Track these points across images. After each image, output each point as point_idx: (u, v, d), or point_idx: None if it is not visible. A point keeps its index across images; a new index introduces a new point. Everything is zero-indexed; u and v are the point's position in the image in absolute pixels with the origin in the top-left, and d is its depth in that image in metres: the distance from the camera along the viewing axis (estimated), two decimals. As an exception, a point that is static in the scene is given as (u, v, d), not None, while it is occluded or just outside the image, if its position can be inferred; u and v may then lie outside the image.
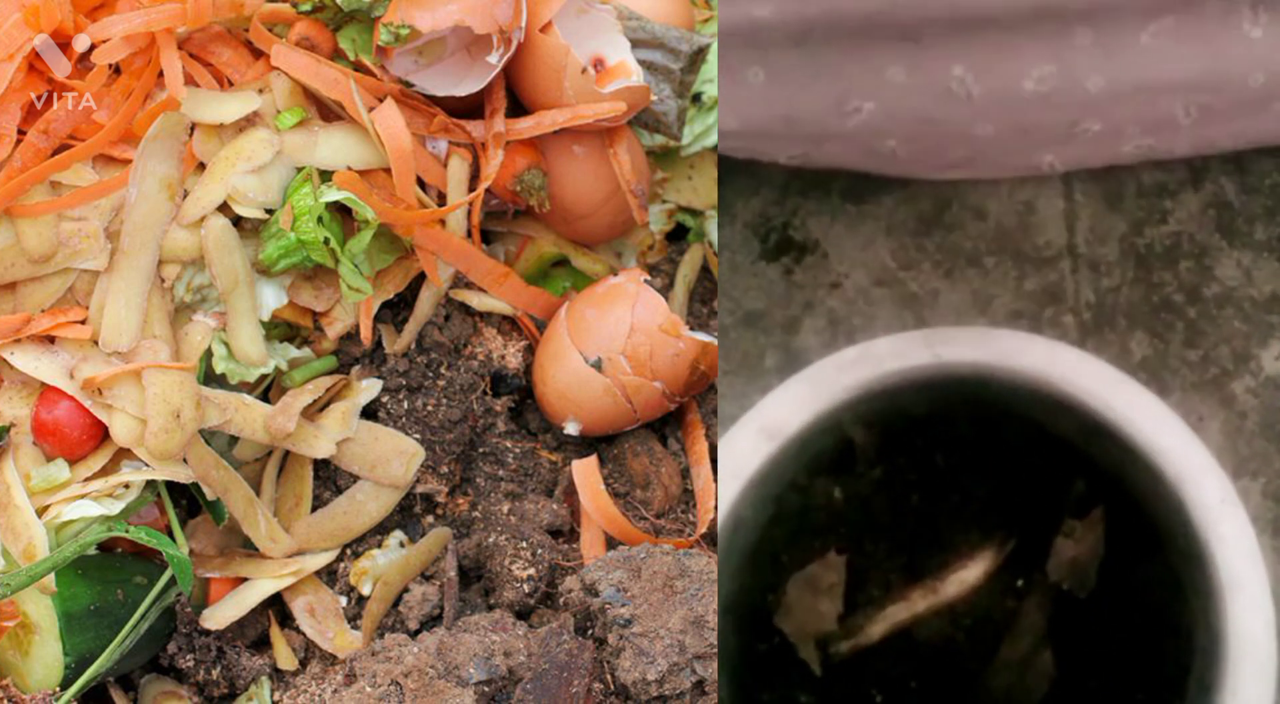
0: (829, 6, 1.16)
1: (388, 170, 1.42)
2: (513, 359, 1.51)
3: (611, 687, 1.32)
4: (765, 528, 1.25)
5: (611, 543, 1.46)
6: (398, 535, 1.48)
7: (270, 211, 1.40)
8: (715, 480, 1.48)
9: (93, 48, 1.37)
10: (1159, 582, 1.25)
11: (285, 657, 1.44)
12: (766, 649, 1.29)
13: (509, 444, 1.52)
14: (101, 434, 1.37)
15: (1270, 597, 1.16)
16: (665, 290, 1.56)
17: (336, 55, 1.44)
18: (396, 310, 1.51)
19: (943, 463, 1.26)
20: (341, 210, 1.41)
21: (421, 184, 1.45)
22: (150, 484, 1.39)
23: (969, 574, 1.27)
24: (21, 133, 1.37)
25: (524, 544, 1.45)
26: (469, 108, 1.46)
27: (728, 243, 1.37)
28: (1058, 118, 1.23)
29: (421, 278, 1.48)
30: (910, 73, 1.20)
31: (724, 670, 1.28)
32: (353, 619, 1.45)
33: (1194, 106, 1.23)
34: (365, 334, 1.45)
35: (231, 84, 1.42)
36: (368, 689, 1.31)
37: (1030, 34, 1.19)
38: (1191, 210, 1.34)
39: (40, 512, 1.35)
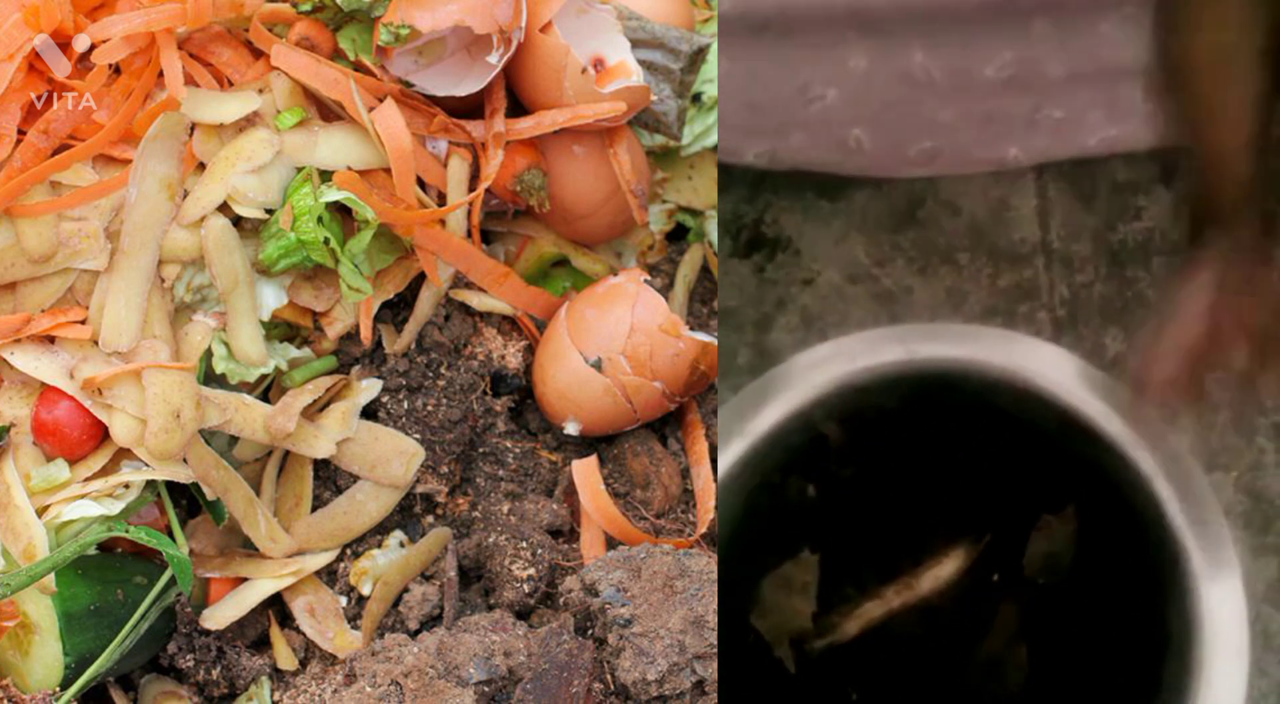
0: (786, 1, 1.18)
1: (388, 170, 1.42)
2: (513, 359, 1.51)
3: (611, 687, 1.32)
4: (739, 527, 1.25)
5: (611, 543, 1.46)
6: (398, 535, 1.48)
7: (270, 211, 1.40)
8: (715, 480, 1.48)
9: (93, 48, 1.37)
10: (1132, 575, 1.26)
11: (285, 657, 1.44)
12: (742, 648, 1.28)
13: (509, 444, 1.52)
14: (101, 434, 1.37)
15: (1243, 588, 1.16)
16: (665, 290, 1.56)
17: (336, 55, 1.44)
18: (396, 310, 1.51)
19: (917, 459, 1.26)
20: (341, 210, 1.41)
21: (421, 184, 1.45)
22: (150, 484, 1.39)
23: (943, 570, 1.27)
24: (21, 133, 1.37)
25: (524, 544, 1.45)
26: (469, 108, 1.46)
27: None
28: (1020, 103, 1.24)
29: (421, 278, 1.48)
30: (871, 60, 1.21)
31: None
32: (353, 619, 1.45)
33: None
34: (365, 334, 1.45)
35: (231, 84, 1.42)
36: (368, 689, 1.31)
37: (989, 25, 1.20)
38: (1164, 207, 1.34)
39: (40, 512, 1.35)
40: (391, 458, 1.45)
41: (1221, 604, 1.16)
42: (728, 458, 1.17)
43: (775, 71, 1.21)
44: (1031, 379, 1.18)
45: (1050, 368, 1.17)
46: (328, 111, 1.43)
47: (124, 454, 1.38)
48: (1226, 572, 1.17)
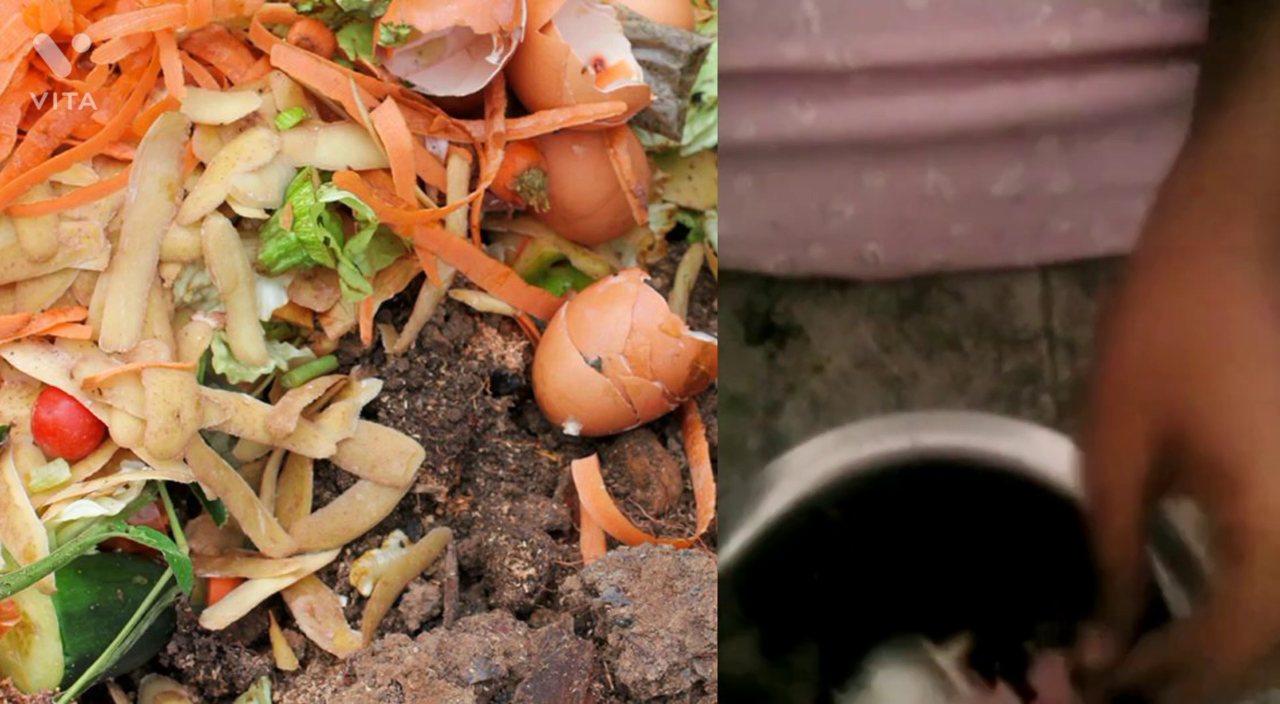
0: (808, 128, 1.23)
1: (388, 170, 1.42)
2: (513, 359, 1.51)
3: (611, 687, 1.32)
4: (742, 612, 1.26)
5: (611, 543, 1.46)
6: (398, 535, 1.48)
7: (270, 211, 1.40)
8: (715, 480, 1.48)
9: (93, 48, 1.37)
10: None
11: (285, 657, 1.44)
12: None
13: (509, 444, 1.52)
14: (101, 434, 1.37)
15: None
16: (665, 290, 1.56)
17: (336, 55, 1.44)
18: (396, 310, 1.51)
19: (922, 548, 1.27)
20: (341, 210, 1.41)
21: (421, 184, 1.45)
22: (150, 484, 1.39)
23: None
24: (21, 133, 1.37)
25: (524, 544, 1.45)
26: (469, 108, 1.46)
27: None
28: (1027, 217, 1.29)
29: (421, 278, 1.48)
30: (888, 180, 1.26)
31: None
32: (353, 619, 1.45)
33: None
34: (365, 334, 1.45)
35: (231, 84, 1.42)
36: (368, 689, 1.31)
37: (997, 146, 1.26)
38: None
39: (40, 512, 1.35)
40: (391, 458, 1.45)
41: None
42: (731, 548, 1.18)
43: (798, 190, 1.26)
44: (1034, 468, 1.19)
45: (1051, 457, 1.19)
46: (328, 111, 1.43)
47: (124, 454, 1.38)
48: None
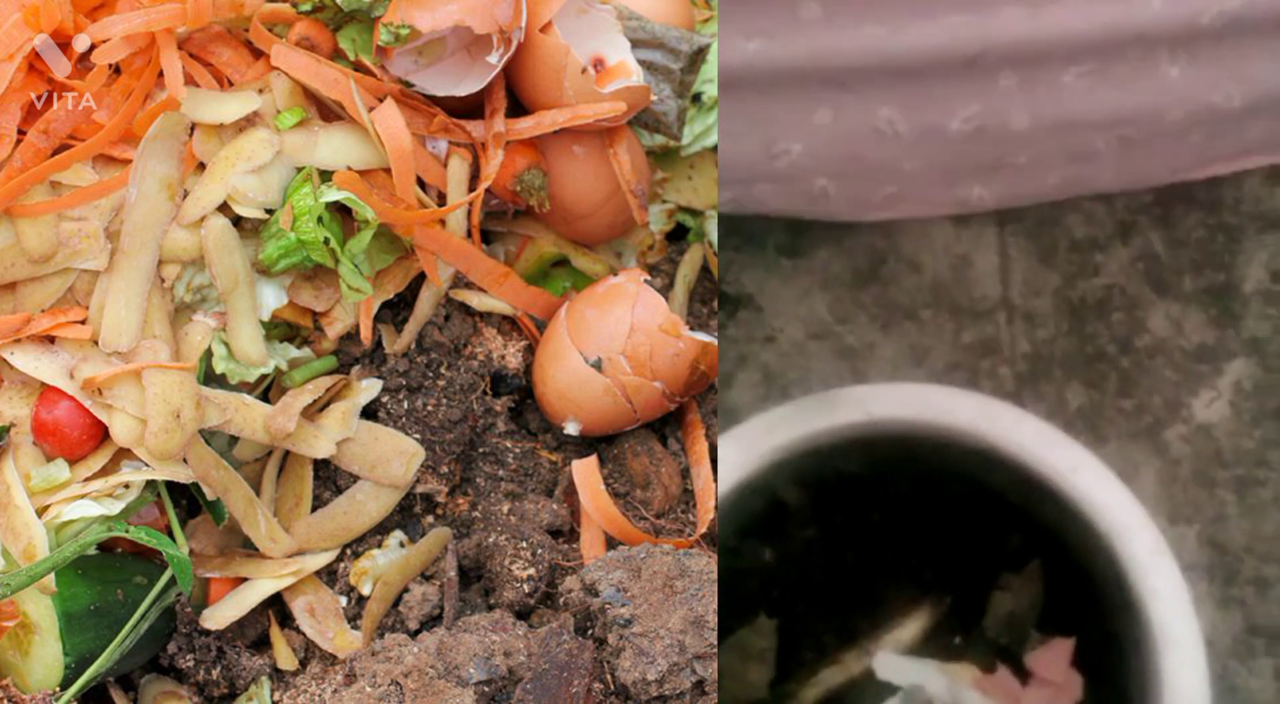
0: (751, 59, 1.19)
1: (388, 170, 1.42)
2: (513, 359, 1.51)
3: (611, 687, 1.32)
4: None
5: (611, 543, 1.46)
6: (398, 535, 1.48)
7: (270, 211, 1.40)
8: (715, 480, 1.48)
9: (93, 48, 1.37)
10: (1095, 636, 1.25)
11: (285, 657, 1.44)
12: None
13: (509, 444, 1.52)
14: (101, 434, 1.37)
15: (1204, 651, 1.17)
16: (665, 290, 1.56)
17: (336, 55, 1.44)
18: (396, 310, 1.51)
19: (878, 521, 1.27)
20: (341, 210, 1.41)
21: (421, 184, 1.45)
22: (150, 484, 1.39)
23: (904, 634, 1.27)
24: (21, 133, 1.37)
25: (524, 544, 1.45)
26: (469, 108, 1.46)
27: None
28: (984, 152, 1.27)
29: (421, 278, 1.48)
30: (837, 116, 1.23)
31: None
32: (353, 619, 1.45)
33: (1114, 139, 1.27)
34: (365, 334, 1.45)
35: (231, 84, 1.42)
36: (368, 689, 1.31)
37: (955, 79, 1.22)
38: (1122, 263, 1.37)
39: (40, 512, 1.35)
40: (391, 458, 1.45)
41: (1183, 666, 1.16)
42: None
43: (741, 128, 1.22)
44: (991, 439, 1.18)
45: (1009, 427, 1.18)
46: (328, 111, 1.43)
47: (124, 454, 1.38)
48: (1187, 633, 1.17)
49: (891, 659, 1.22)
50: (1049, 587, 1.26)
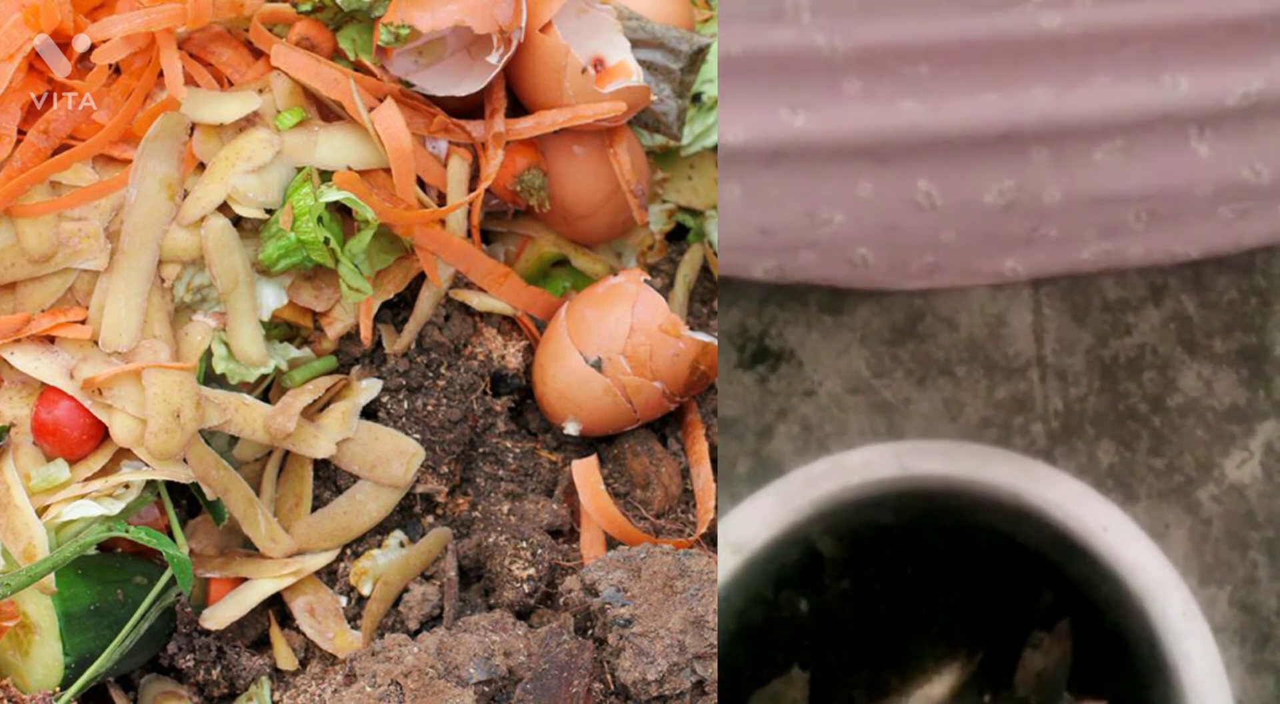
0: (798, 133, 1.24)
1: (388, 170, 1.42)
2: (513, 359, 1.51)
3: (611, 687, 1.32)
4: (729, 643, 1.26)
5: (611, 543, 1.46)
6: (398, 535, 1.48)
7: (270, 211, 1.40)
8: (715, 480, 1.48)
9: (93, 48, 1.37)
10: (1126, 698, 1.25)
11: (285, 657, 1.44)
12: None
13: (509, 444, 1.52)
14: (101, 434, 1.37)
15: None
16: (665, 290, 1.56)
17: (336, 55, 1.44)
18: (396, 310, 1.51)
19: (911, 574, 1.28)
20: (341, 210, 1.41)
21: (421, 184, 1.45)
22: (150, 484, 1.39)
23: (935, 690, 1.27)
24: (21, 133, 1.37)
25: (524, 544, 1.45)
26: (469, 108, 1.46)
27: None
28: (1018, 225, 1.31)
29: (421, 278, 1.48)
30: (878, 188, 1.27)
31: None
32: (353, 619, 1.45)
33: (1145, 214, 1.31)
34: (365, 334, 1.45)
35: (231, 84, 1.42)
36: (368, 689, 1.31)
37: (990, 154, 1.27)
38: (1154, 324, 1.39)
39: (40, 512, 1.35)
40: (391, 458, 1.45)
41: None
42: (720, 574, 1.18)
43: (786, 197, 1.27)
44: (1024, 496, 1.19)
45: (1042, 485, 1.19)
46: (328, 111, 1.43)
47: (124, 454, 1.38)
48: (1216, 697, 1.17)
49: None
50: (1081, 646, 1.27)
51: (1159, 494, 1.37)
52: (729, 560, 1.19)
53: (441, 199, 1.45)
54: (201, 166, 1.39)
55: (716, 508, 1.46)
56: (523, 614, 1.44)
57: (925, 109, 1.24)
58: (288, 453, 1.46)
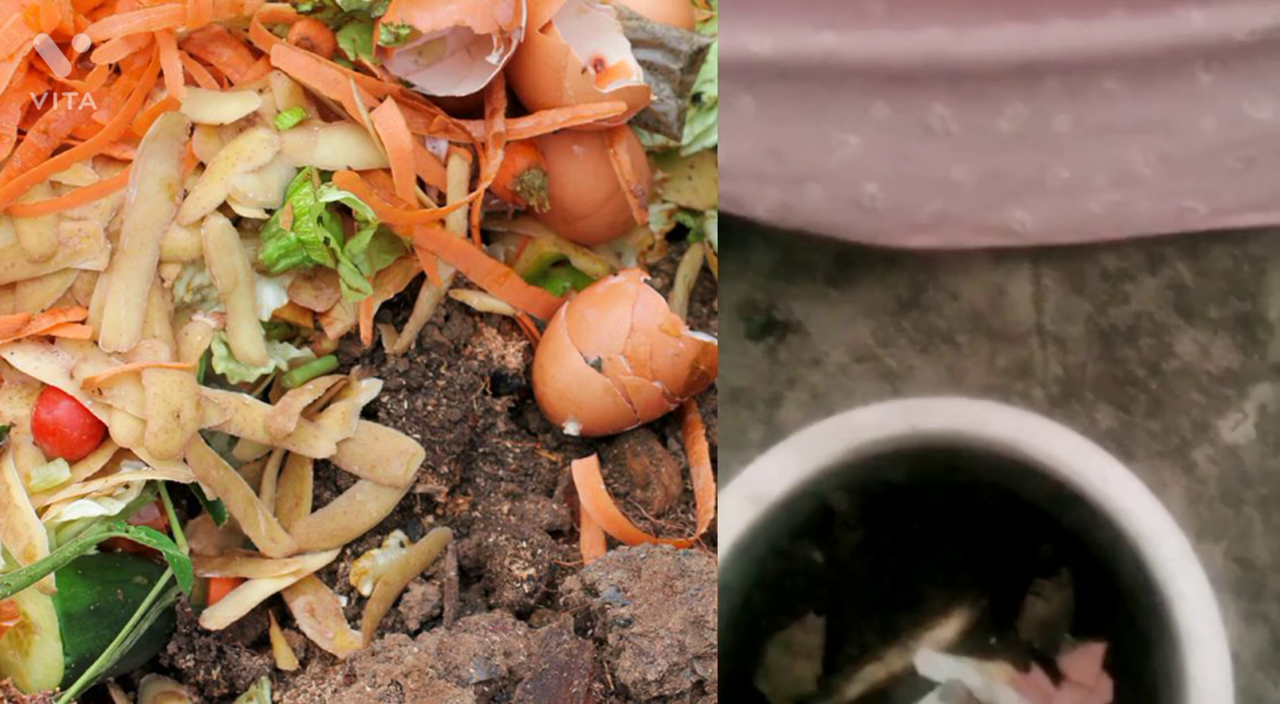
0: (826, 50, 1.26)
1: (388, 170, 1.42)
2: (513, 359, 1.51)
3: (611, 687, 1.32)
4: (747, 592, 1.29)
5: (611, 543, 1.46)
6: (398, 535, 1.48)
7: (270, 211, 1.40)
8: (715, 480, 1.48)
9: (93, 48, 1.37)
10: (1124, 639, 1.28)
11: (285, 657, 1.44)
12: None
13: (509, 444, 1.52)
14: (101, 434, 1.37)
15: (1227, 649, 1.19)
16: (665, 290, 1.56)
17: (336, 55, 1.44)
18: (396, 310, 1.51)
19: (919, 527, 1.31)
20: (341, 210, 1.42)
21: (421, 184, 1.45)
22: (150, 484, 1.39)
23: (943, 633, 1.30)
24: (21, 133, 1.37)
25: (524, 544, 1.45)
26: (469, 108, 1.46)
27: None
28: (1028, 160, 1.32)
29: (421, 278, 1.48)
30: (894, 109, 1.29)
31: None
32: (353, 619, 1.45)
33: (1152, 154, 1.34)
34: (365, 334, 1.45)
35: (231, 84, 1.42)
36: (368, 689, 1.31)
37: (1006, 82, 1.30)
38: (1151, 292, 1.41)
39: (40, 512, 1.35)
40: (391, 458, 1.45)
41: (1207, 663, 1.19)
42: (739, 524, 1.20)
43: (801, 114, 1.29)
44: (1026, 450, 1.23)
45: (1044, 439, 1.22)
46: (328, 111, 1.43)
47: (124, 454, 1.38)
48: (1211, 632, 1.20)
49: (931, 656, 1.25)
50: (1080, 592, 1.29)
51: (1156, 455, 1.39)
52: (747, 512, 1.21)
53: (441, 199, 1.45)
54: (201, 166, 1.39)
55: (716, 507, 1.46)
56: (523, 614, 1.44)
57: (949, 35, 1.26)
58: (288, 453, 1.46)
